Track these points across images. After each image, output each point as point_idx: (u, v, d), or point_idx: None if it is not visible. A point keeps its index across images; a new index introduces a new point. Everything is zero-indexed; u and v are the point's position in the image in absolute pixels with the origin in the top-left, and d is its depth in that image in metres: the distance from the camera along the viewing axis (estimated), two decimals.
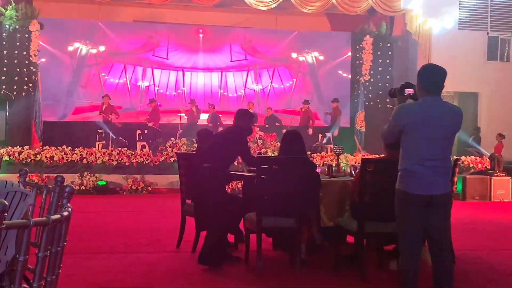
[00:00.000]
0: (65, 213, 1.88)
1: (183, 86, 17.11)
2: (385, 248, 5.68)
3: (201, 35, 17.07)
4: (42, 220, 1.78)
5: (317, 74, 17.51)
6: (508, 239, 7.91)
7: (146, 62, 17.03)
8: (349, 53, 17.07)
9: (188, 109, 15.57)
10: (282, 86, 17.63)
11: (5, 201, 1.56)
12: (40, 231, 2.20)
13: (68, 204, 2.03)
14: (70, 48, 16.19)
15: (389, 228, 4.88)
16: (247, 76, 17.65)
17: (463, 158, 13.50)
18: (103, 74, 16.61)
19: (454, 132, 3.93)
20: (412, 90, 4.32)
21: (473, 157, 14.26)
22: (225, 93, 17.31)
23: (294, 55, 17.47)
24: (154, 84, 17.05)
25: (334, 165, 6.66)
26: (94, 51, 16.38)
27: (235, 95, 17.41)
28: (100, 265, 5.60)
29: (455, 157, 12.04)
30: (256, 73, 17.64)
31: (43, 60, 15.23)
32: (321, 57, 17.37)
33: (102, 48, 16.42)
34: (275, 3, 14.72)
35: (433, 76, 3.90)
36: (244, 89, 17.52)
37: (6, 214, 1.50)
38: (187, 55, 17.18)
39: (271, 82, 17.59)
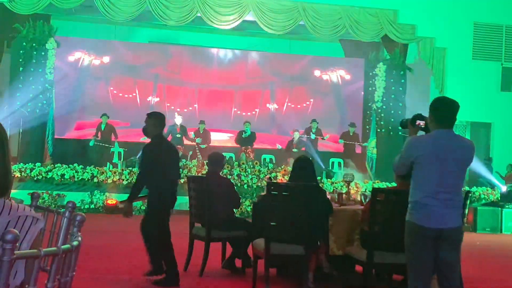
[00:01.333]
0: (75, 243, 1.89)
1: (195, 103, 16.91)
2: (394, 277, 5.63)
3: (215, 51, 17.03)
4: (52, 250, 1.79)
5: (339, 95, 17.35)
6: None
7: (158, 77, 16.83)
8: (362, 79, 17.05)
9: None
10: (299, 106, 17.50)
11: (17, 231, 1.57)
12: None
13: (78, 233, 2.05)
14: (80, 62, 16.09)
15: (398, 258, 4.83)
16: (262, 95, 17.46)
17: (474, 189, 13.38)
18: (111, 88, 16.51)
19: (466, 165, 3.91)
20: (424, 121, 4.30)
21: (484, 188, 14.13)
22: (238, 112, 17.04)
23: (317, 72, 17.27)
24: (165, 100, 16.86)
25: (344, 193, 6.62)
26: (97, 62, 16.17)
27: (249, 114, 17.00)
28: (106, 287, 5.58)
29: (466, 188, 11.96)
30: (272, 91, 17.44)
31: (55, 76, 15.22)
32: (347, 76, 17.25)
33: (109, 60, 16.27)
34: (289, 28, 14.79)
35: (446, 109, 3.89)
36: (259, 108, 17.29)
37: (18, 244, 1.51)
38: (200, 71, 16.90)
39: (287, 102, 17.37)
